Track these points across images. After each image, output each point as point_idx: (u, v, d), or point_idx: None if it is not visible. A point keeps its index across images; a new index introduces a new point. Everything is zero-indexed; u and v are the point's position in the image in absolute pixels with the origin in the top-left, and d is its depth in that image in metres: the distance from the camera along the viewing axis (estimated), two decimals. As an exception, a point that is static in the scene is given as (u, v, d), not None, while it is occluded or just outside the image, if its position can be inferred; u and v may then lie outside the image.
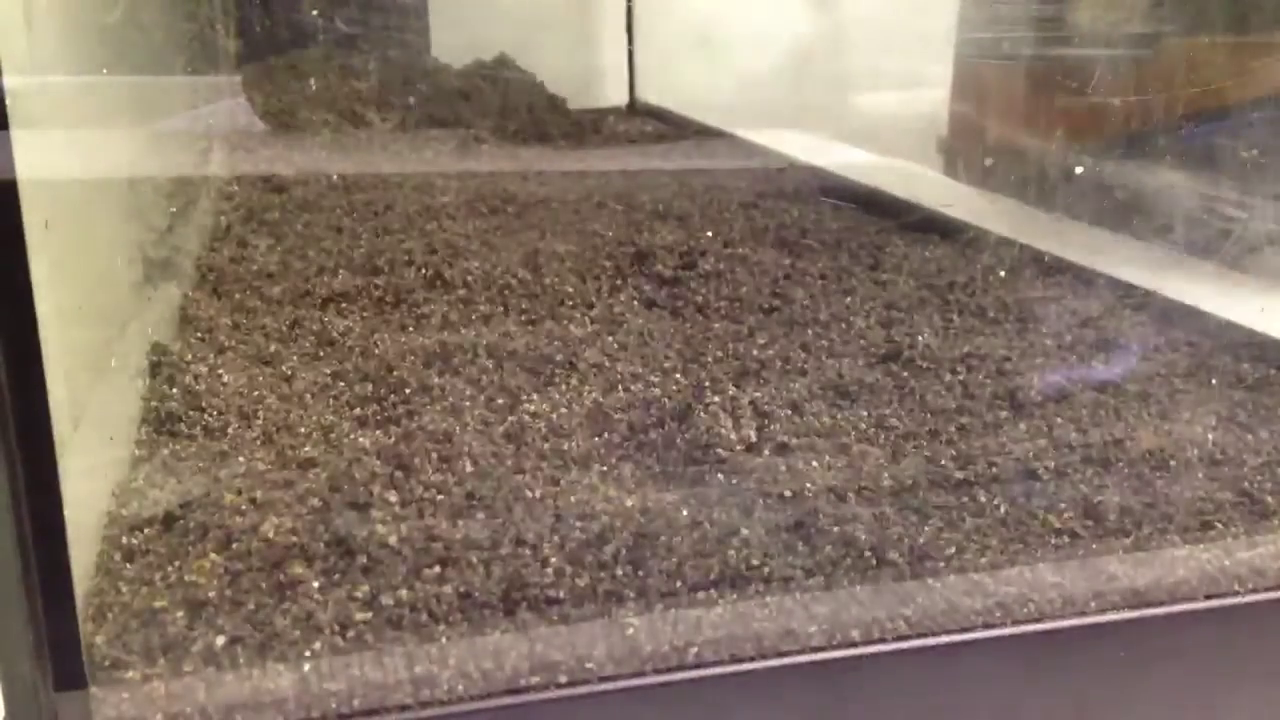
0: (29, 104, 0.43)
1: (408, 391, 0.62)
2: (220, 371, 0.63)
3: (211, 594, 0.44)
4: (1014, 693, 0.49)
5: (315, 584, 0.45)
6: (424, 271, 0.80)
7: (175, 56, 0.90)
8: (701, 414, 0.60)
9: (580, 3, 1.42)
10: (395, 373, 0.64)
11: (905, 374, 0.68)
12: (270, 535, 0.47)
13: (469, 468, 0.54)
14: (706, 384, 0.65)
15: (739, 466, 0.56)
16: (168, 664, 0.41)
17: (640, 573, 0.47)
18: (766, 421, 0.61)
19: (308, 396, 0.61)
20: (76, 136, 0.59)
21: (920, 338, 0.73)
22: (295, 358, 0.66)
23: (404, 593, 0.45)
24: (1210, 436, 0.62)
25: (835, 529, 0.51)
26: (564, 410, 0.61)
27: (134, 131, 0.75)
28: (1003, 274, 0.88)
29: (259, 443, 0.56)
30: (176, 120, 0.86)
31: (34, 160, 0.40)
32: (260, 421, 0.58)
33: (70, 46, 0.59)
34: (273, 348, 0.67)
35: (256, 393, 0.60)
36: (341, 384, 0.63)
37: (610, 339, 0.72)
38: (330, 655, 0.42)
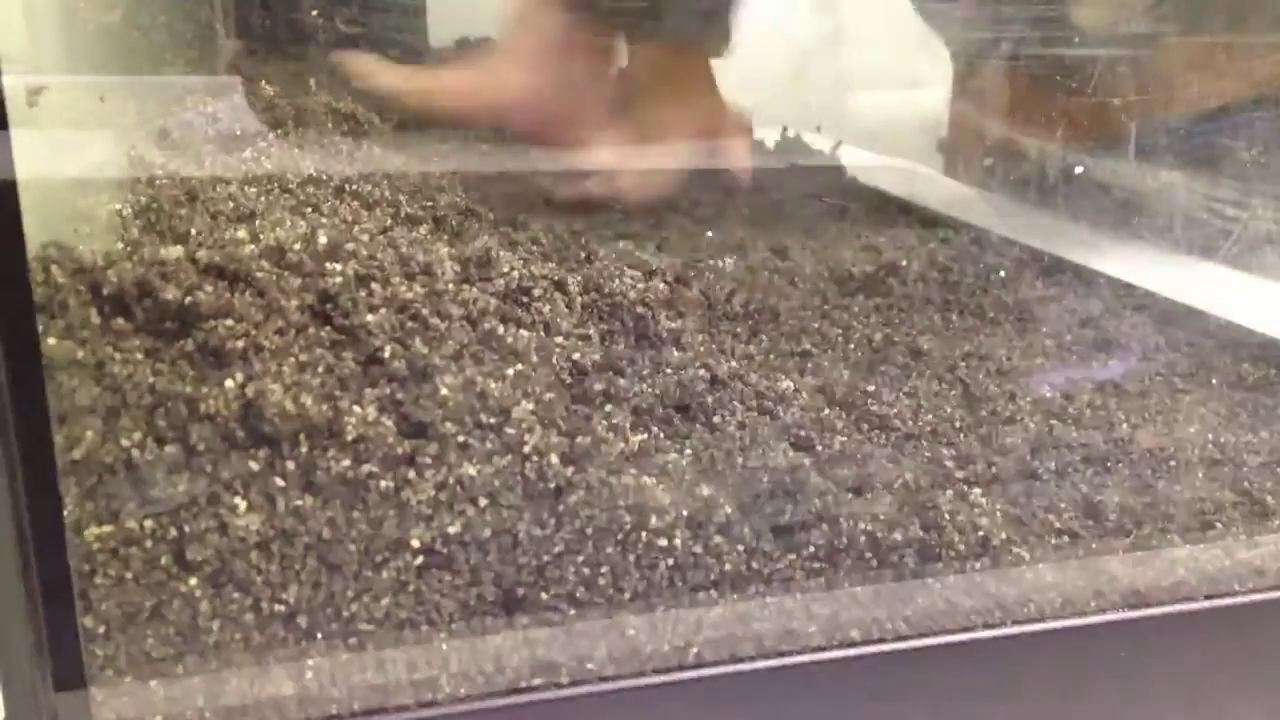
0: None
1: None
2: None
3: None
4: (1014, 693, 0.49)
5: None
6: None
7: (174, 56, 0.90)
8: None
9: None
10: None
11: (904, 374, 0.68)
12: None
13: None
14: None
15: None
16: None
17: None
18: (766, 421, 0.61)
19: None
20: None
21: (920, 338, 0.73)
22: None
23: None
24: (1210, 436, 0.62)
25: (835, 529, 0.51)
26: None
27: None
28: (1003, 274, 0.88)
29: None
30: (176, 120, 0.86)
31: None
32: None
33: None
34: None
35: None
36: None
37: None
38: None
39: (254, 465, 0.42)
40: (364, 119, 0.92)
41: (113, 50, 0.71)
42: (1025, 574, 0.51)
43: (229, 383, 0.43)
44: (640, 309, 0.60)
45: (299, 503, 0.42)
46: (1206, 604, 0.51)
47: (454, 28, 1.23)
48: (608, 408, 0.51)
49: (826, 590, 0.49)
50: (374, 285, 0.49)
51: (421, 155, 0.95)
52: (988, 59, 1.08)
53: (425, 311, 0.50)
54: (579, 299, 0.59)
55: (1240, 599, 0.52)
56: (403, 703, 0.42)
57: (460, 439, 0.45)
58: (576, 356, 0.54)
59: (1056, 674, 0.50)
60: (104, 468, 0.41)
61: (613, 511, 0.46)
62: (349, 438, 0.43)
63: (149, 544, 0.41)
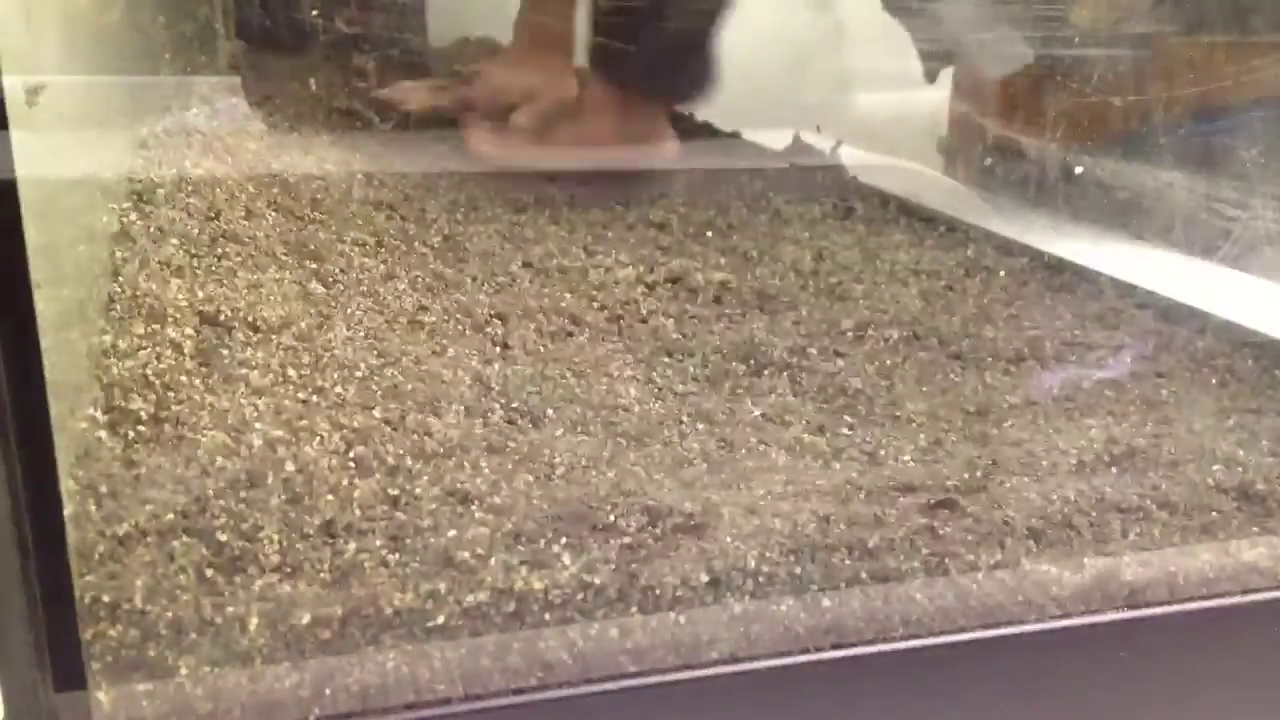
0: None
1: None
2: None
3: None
4: (1014, 693, 0.49)
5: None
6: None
7: (174, 56, 0.90)
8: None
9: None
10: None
11: (904, 374, 0.68)
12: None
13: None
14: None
15: (737, 467, 0.56)
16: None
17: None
18: (764, 421, 0.61)
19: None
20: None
21: (920, 338, 0.73)
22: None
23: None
24: (1210, 436, 0.62)
25: (834, 529, 0.51)
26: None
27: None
28: (1002, 274, 0.88)
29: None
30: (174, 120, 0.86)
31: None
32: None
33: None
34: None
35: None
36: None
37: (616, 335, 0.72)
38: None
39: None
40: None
41: (112, 50, 0.71)
42: (1026, 574, 0.51)
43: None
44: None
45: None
46: (1207, 604, 0.51)
47: (454, 28, 1.24)
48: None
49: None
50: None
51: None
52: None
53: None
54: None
55: (1240, 599, 0.52)
56: (403, 703, 0.42)
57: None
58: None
59: (1056, 674, 0.50)
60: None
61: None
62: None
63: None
